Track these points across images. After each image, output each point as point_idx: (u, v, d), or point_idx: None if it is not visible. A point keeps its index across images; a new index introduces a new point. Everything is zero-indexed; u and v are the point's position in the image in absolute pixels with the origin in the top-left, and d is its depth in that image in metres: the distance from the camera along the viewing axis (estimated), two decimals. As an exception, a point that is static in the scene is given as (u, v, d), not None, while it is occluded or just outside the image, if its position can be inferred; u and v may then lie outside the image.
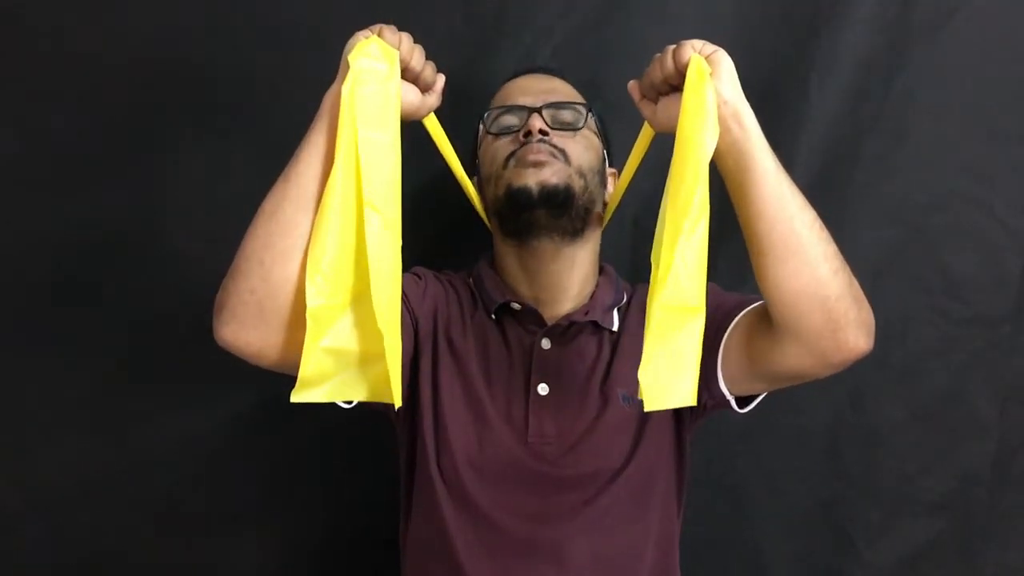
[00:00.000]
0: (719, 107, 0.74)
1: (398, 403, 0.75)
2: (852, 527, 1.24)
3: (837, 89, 1.16)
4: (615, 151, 1.04)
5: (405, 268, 0.97)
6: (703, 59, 0.75)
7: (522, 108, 0.95)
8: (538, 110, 0.93)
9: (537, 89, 0.98)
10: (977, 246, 1.20)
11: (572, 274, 0.96)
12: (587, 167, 0.94)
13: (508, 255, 0.97)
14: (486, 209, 1.00)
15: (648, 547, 0.91)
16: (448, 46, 1.15)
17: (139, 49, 1.11)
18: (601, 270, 1.01)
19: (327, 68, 1.13)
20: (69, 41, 1.09)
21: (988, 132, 1.18)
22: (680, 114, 0.74)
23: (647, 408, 0.73)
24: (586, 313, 0.94)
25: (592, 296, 0.97)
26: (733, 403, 0.91)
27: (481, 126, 0.99)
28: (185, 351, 1.15)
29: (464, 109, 1.01)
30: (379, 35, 0.77)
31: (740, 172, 0.76)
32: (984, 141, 1.18)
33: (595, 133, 0.99)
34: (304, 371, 0.73)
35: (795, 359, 0.80)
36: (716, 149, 0.73)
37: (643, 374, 0.73)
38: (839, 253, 0.78)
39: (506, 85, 1.02)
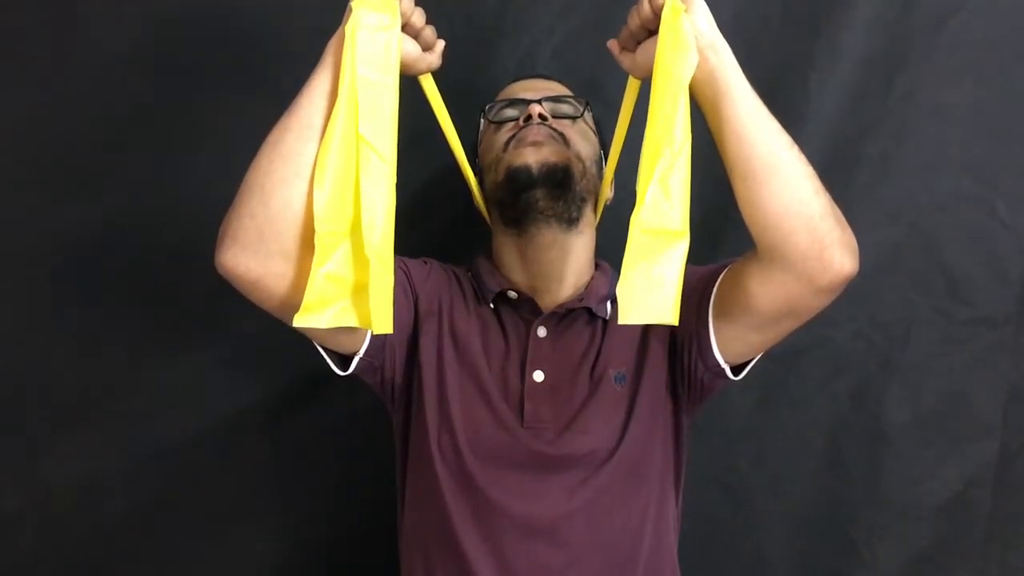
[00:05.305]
0: (696, 39, 0.75)
1: (388, 329, 0.76)
2: (854, 529, 1.24)
3: (837, 89, 1.16)
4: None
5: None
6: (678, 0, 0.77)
7: (523, 101, 0.97)
8: (538, 101, 0.96)
9: (537, 87, 1.02)
10: (979, 246, 1.19)
11: (568, 263, 0.97)
12: (585, 154, 0.96)
13: (506, 245, 0.98)
14: (486, 200, 1.01)
15: (645, 529, 0.92)
16: (448, 46, 1.15)
17: (139, 48, 1.11)
18: (597, 266, 1.02)
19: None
20: (69, 39, 1.10)
21: (988, 132, 1.17)
22: (657, 48, 0.76)
23: (620, 320, 0.73)
24: (580, 300, 0.96)
25: (587, 287, 0.98)
26: (728, 371, 0.91)
27: (482, 119, 1.01)
28: (185, 351, 1.16)
29: (464, 109, 1.01)
30: None
31: (718, 98, 0.77)
32: (984, 141, 1.18)
33: (592, 130, 1.01)
34: (309, 296, 0.74)
35: (783, 288, 0.80)
36: (693, 79, 0.74)
37: (620, 290, 0.73)
38: (818, 176, 0.79)
39: (506, 87, 1.05)
